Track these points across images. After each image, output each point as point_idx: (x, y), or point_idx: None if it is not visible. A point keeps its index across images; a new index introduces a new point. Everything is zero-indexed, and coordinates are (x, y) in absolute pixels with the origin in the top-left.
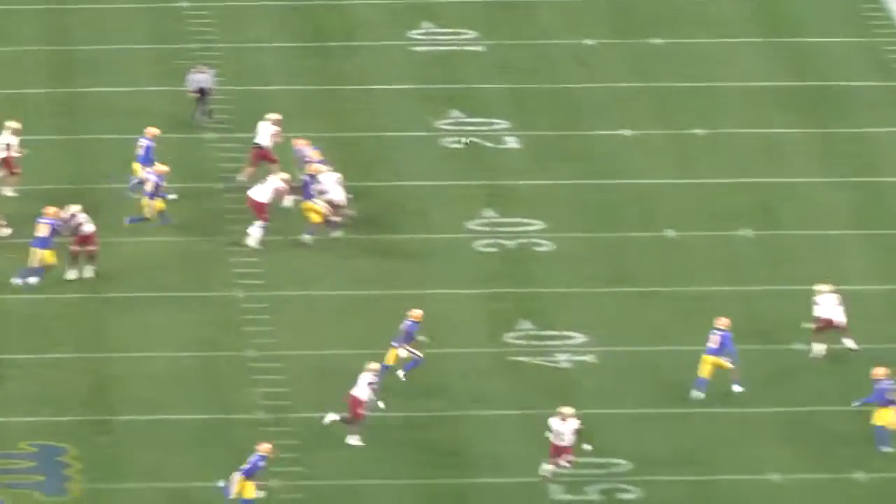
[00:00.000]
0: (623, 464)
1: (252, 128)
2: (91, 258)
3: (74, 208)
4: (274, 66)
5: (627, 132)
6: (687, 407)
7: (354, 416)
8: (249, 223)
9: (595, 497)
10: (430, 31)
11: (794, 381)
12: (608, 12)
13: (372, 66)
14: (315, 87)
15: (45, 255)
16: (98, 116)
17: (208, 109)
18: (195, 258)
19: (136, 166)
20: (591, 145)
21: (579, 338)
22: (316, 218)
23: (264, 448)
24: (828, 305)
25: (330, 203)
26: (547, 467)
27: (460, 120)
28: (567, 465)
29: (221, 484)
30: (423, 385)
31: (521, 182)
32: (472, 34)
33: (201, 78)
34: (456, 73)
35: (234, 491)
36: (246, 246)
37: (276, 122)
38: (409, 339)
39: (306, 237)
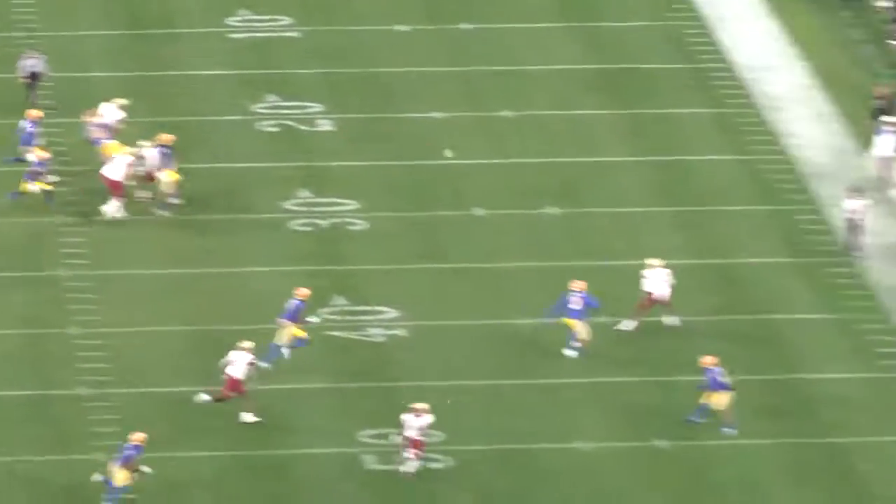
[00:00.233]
0: (435, 434)
1: (75, 114)
2: None
3: None
4: (96, 54)
5: (438, 114)
6: (497, 378)
7: (232, 395)
8: (81, 205)
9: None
10: (247, 17)
11: (602, 353)
12: None
13: (191, 53)
14: (137, 74)
15: None
16: None
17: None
18: (24, 239)
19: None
20: (402, 127)
21: (391, 313)
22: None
23: (137, 437)
24: (655, 280)
25: (149, 176)
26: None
27: (276, 104)
28: (413, 456)
29: (101, 478)
30: None
31: (335, 163)
32: (287, 20)
33: (33, 63)
34: (272, 58)
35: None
36: (76, 225)
37: (121, 107)
38: (295, 316)
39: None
